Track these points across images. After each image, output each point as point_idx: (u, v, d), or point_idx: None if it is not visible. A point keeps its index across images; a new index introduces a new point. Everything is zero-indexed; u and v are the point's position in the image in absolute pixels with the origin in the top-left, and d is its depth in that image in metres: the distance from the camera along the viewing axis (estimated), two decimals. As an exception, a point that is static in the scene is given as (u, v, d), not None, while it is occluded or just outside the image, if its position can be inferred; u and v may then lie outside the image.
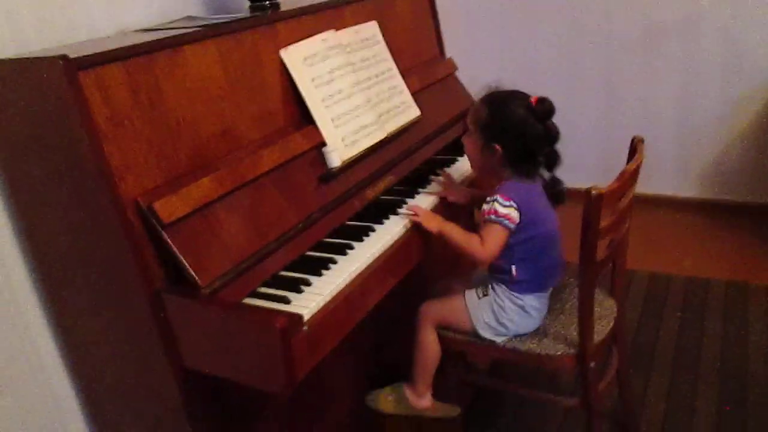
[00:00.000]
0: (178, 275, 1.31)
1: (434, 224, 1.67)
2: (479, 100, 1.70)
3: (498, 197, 1.60)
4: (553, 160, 1.66)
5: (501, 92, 1.68)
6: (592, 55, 3.49)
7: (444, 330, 1.80)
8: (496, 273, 1.73)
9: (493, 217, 1.60)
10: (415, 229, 1.69)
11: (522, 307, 1.70)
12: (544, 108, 1.61)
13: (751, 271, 2.82)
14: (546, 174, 1.70)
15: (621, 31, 3.37)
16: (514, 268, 1.67)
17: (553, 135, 1.62)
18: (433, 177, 1.97)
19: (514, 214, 1.60)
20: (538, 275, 1.70)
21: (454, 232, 1.66)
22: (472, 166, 1.84)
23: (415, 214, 1.69)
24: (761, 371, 2.21)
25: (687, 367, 2.28)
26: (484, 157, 1.68)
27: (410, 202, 1.81)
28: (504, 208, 1.59)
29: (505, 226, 1.60)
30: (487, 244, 1.61)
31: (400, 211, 1.73)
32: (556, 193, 1.69)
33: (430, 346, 1.80)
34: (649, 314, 2.60)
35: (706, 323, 2.51)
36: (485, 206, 1.63)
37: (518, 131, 1.61)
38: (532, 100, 1.62)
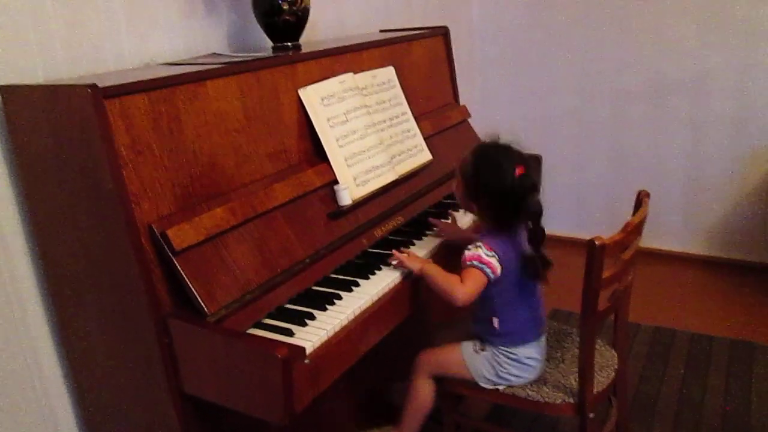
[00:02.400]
0: (184, 301, 1.34)
1: (416, 263, 1.68)
2: (471, 150, 1.68)
3: (482, 245, 1.62)
4: (535, 235, 1.60)
5: (492, 150, 1.65)
6: (602, 107, 3.55)
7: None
8: (480, 325, 1.74)
9: (476, 262, 1.61)
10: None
11: (518, 360, 1.70)
12: (524, 184, 1.58)
13: (756, 331, 2.80)
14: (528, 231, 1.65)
15: (631, 84, 3.44)
16: (495, 320, 1.68)
17: (533, 211, 1.58)
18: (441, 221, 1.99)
19: (496, 265, 1.61)
20: (525, 324, 1.71)
21: (435, 271, 1.66)
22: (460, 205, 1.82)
23: (400, 257, 1.69)
24: (764, 430, 2.19)
25: (689, 422, 2.25)
26: (466, 203, 1.72)
27: (417, 243, 1.85)
28: (487, 257, 1.60)
29: (486, 274, 1.61)
30: (466, 285, 1.61)
31: (389, 260, 1.71)
32: (531, 269, 1.64)
33: (423, 396, 1.80)
34: (652, 368, 2.59)
35: (709, 380, 2.49)
36: (467, 252, 1.63)
37: (495, 199, 1.62)
38: (517, 171, 1.57)
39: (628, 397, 2.13)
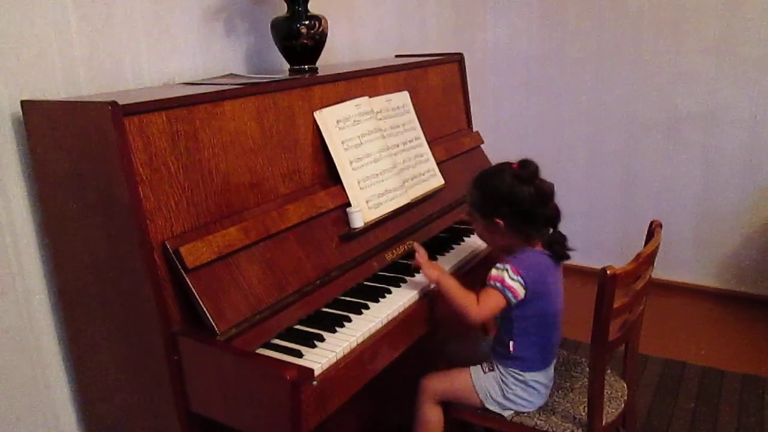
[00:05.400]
0: (194, 319, 1.34)
1: (434, 272, 1.68)
2: (469, 185, 1.72)
3: (509, 268, 1.61)
4: (552, 215, 1.66)
5: (486, 170, 1.73)
6: (614, 137, 3.55)
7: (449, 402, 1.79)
8: (496, 345, 1.74)
9: (498, 284, 1.60)
10: (428, 297, 1.70)
11: (525, 383, 1.69)
12: (528, 170, 1.63)
13: (768, 367, 2.77)
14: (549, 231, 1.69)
15: (644, 115, 3.44)
16: (512, 343, 1.67)
17: (545, 192, 1.63)
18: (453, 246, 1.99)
19: (520, 291, 1.60)
20: (537, 353, 1.69)
21: (452, 285, 1.65)
22: (489, 246, 1.86)
23: (419, 260, 1.71)
24: (775, 471, 2.15)
25: (698, 459, 2.22)
26: (492, 233, 1.70)
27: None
28: (511, 281, 1.60)
29: (506, 298, 1.60)
30: (482, 306, 1.61)
31: (410, 262, 1.75)
32: (559, 249, 1.68)
33: (433, 423, 1.78)
34: (661, 401, 2.56)
35: (720, 415, 2.45)
36: (494, 272, 1.63)
37: (510, 199, 1.62)
38: (515, 165, 1.65)
39: (637, 430, 2.10)
